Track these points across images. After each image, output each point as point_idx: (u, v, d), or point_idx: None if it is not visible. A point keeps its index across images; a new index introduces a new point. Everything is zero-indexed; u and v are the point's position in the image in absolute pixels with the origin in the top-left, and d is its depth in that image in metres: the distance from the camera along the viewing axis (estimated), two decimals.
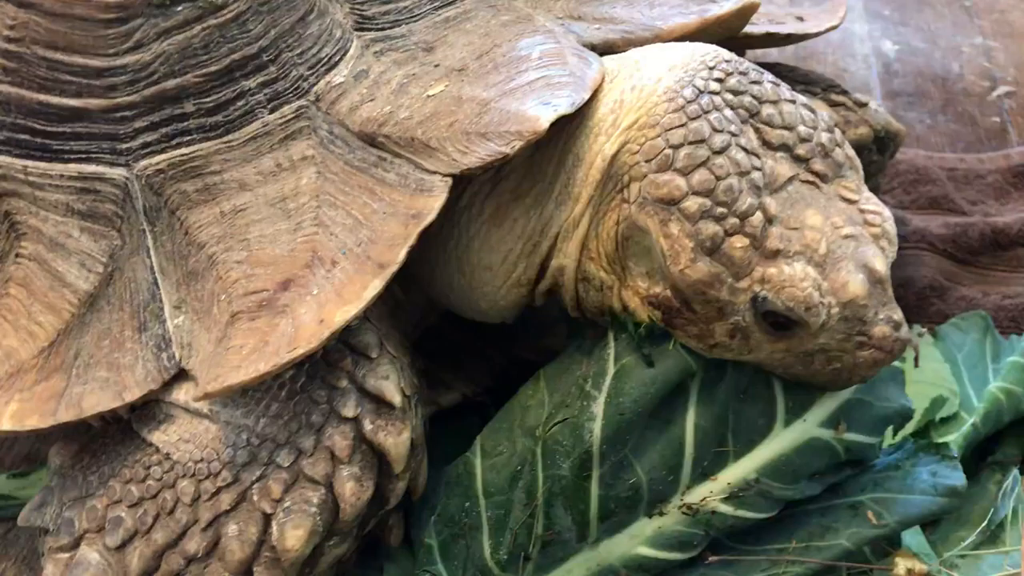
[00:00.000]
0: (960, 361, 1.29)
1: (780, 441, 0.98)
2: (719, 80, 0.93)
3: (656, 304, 0.95)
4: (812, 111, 0.95)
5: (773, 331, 0.91)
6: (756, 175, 0.90)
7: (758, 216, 0.89)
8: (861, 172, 0.96)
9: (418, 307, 1.14)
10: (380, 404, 0.93)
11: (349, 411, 0.91)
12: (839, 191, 0.93)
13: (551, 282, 1.03)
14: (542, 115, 0.91)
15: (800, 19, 1.26)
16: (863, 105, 1.23)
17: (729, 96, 0.93)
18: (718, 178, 0.89)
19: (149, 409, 0.96)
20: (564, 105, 0.92)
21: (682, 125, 0.91)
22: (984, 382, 1.25)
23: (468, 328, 1.18)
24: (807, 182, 0.92)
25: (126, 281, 0.97)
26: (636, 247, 0.95)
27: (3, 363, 0.96)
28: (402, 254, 0.90)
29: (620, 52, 1.03)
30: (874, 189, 1.37)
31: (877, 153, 1.25)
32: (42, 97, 0.96)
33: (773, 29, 1.17)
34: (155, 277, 0.97)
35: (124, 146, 0.97)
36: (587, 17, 1.06)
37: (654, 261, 0.94)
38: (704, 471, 0.96)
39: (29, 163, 0.97)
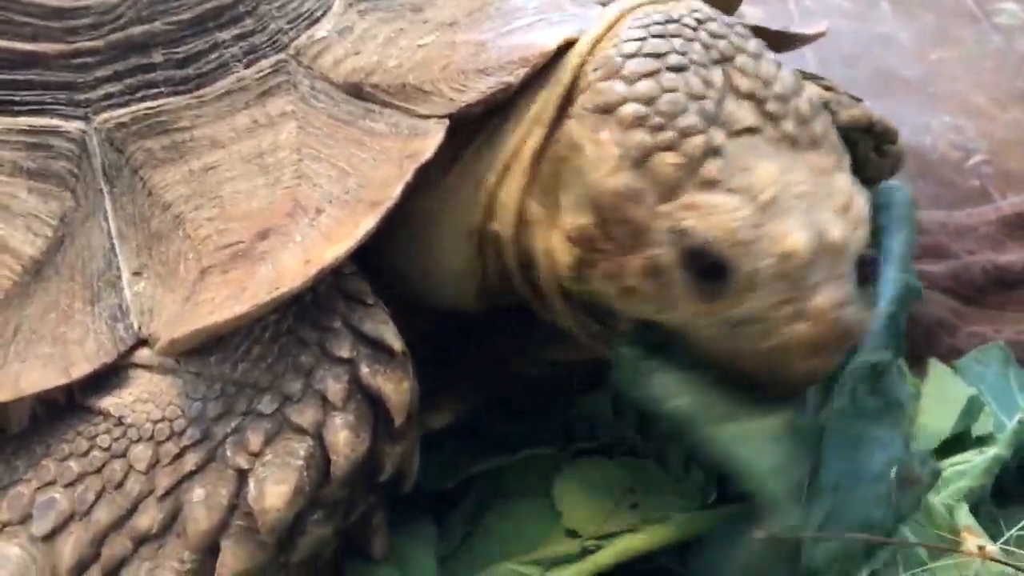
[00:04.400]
0: (985, 391, 1.20)
1: None
2: (698, 20, 0.84)
3: (576, 238, 0.83)
4: (799, 83, 0.85)
5: (697, 279, 0.79)
6: (709, 104, 0.80)
7: (700, 139, 0.78)
8: (847, 159, 0.85)
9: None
10: (378, 350, 0.80)
11: (344, 352, 0.79)
12: (810, 160, 0.81)
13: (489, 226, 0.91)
14: (547, 41, 0.84)
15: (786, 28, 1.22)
16: (858, 101, 1.18)
17: (704, 35, 0.83)
18: (664, 90, 0.80)
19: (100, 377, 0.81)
20: (570, 30, 0.85)
21: (640, 39, 0.83)
22: (1013, 408, 1.15)
23: (462, 340, 1.06)
24: (773, 139, 0.81)
25: (79, 248, 0.85)
26: (569, 171, 0.84)
27: None
28: (398, 190, 0.81)
29: None
30: None
31: (874, 152, 1.19)
32: None
33: (763, 25, 1.13)
34: (113, 243, 0.85)
35: (83, 97, 0.87)
36: None
37: (582, 182, 0.83)
38: None
39: None
